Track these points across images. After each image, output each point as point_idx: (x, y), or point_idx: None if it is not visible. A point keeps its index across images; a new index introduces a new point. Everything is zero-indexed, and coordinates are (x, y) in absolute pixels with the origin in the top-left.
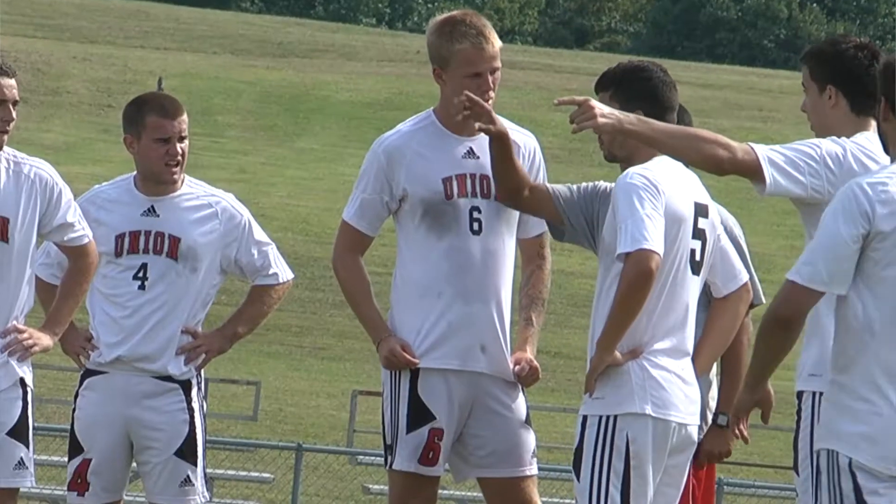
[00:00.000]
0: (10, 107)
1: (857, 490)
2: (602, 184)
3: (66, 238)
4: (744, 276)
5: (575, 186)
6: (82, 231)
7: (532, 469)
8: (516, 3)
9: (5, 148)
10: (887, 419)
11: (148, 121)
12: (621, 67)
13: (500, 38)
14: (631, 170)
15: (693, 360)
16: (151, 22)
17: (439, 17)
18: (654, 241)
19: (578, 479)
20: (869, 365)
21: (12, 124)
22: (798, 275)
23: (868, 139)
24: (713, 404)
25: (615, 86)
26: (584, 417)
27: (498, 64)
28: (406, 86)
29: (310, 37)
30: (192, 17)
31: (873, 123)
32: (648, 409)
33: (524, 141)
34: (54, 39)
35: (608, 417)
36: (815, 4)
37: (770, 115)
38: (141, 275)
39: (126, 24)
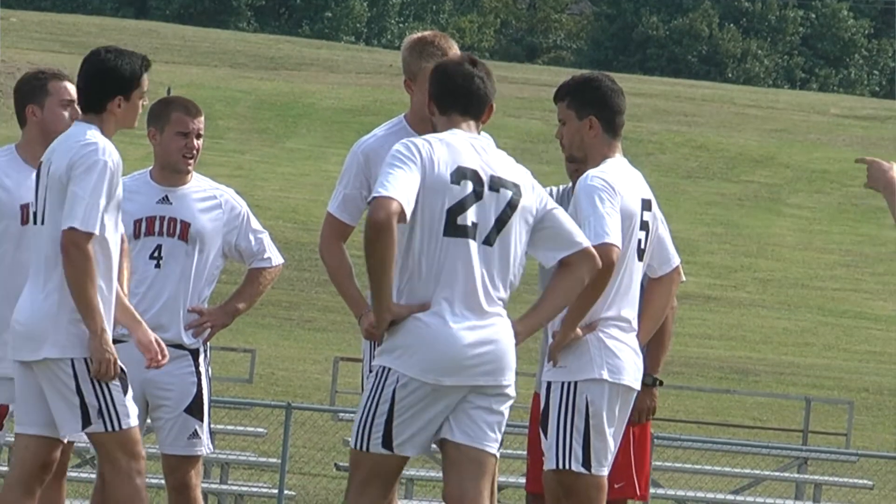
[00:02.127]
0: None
1: None
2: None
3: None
4: (676, 260)
5: None
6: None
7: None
8: (475, 23)
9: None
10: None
11: (173, 116)
12: (574, 79)
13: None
14: (590, 172)
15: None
16: (161, 40)
17: (414, 35)
18: (614, 235)
19: (546, 436)
20: None
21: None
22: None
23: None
24: None
25: (570, 95)
26: (549, 384)
27: None
28: (381, 95)
29: (298, 52)
30: (196, 35)
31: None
32: (605, 375)
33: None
34: (77, 55)
35: (570, 383)
36: (732, 25)
37: (693, 120)
38: (156, 254)
39: (139, 42)
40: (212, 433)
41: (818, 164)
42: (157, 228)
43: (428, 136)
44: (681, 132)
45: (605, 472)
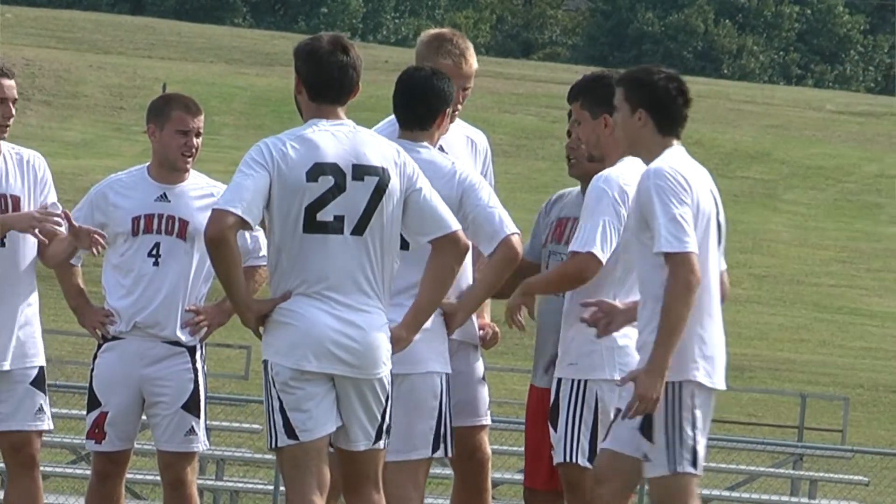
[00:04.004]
0: (10, 105)
1: None
2: (563, 193)
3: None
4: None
5: (531, 238)
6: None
7: (486, 420)
8: (471, 19)
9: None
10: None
11: (173, 114)
12: (586, 79)
13: None
14: (603, 172)
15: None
16: (157, 35)
17: (431, 31)
18: (602, 246)
19: (555, 430)
20: None
21: (11, 120)
22: None
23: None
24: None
25: (583, 95)
26: (559, 380)
27: (471, 84)
28: (376, 90)
29: (293, 48)
30: (192, 31)
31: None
32: (617, 377)
33: (478, 139)
34: (73, 50)
35: (581, 381)
36: (727, 20)
37: (689, 116)
38: (154, 252)
39: (135, 37)
40: (207, 430)
41: (814, 161)
42: (155, 226)
43: (284, 135)
44: None
45: None
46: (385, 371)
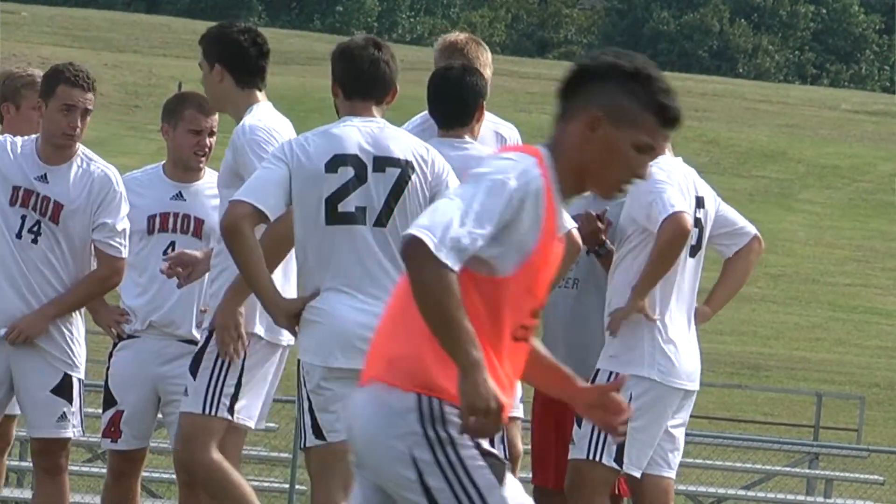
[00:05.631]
0: (78, 115)
1: None
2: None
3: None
4: (751, 230)
5: None
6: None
7: (519, 412)
8: (486, 17)
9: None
10: None
11: (186, 113)
12: None
13: None
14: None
15: None
16: (172, 34)
17: (448, 36)
18: (680, 204)
19: (580, 426)
20: None
21: (78, 131)
22: None
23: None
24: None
25: None
26: (598, 371)
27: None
28: None
29: (308, 46)
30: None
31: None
32: (654, 376)
33: (508, 133)
34: (89, 49)
35: (616, 374)
36: (743, 20)
37: (704, 115)
38: (170, 251)
39: (150, 36)
40: None
41: (829, 160)
42: (170, 225)
43: (310, 132)
44: (692, 127)
45: (636, 473)
46: None
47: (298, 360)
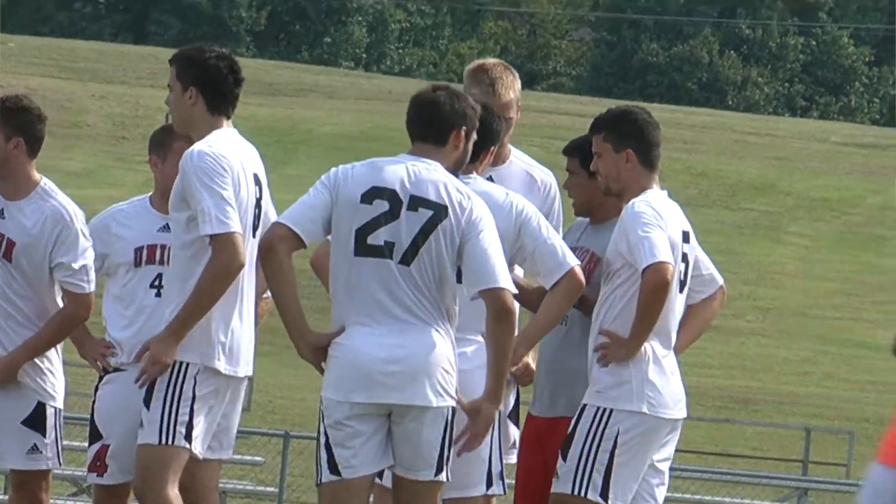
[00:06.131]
0: None
1: None
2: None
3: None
4: (719, 280)
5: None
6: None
7: (512, 458)
8: (475, 48)
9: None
10: None
11: (175, 146)
12: (611, 112)
13: (461, 79)
14: (634, 200)
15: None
16: (160, 65)
17: (479, 60)
18: (665, 253)
19: (565, 460)
20: None
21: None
22: None
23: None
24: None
25: (607, 128)
26: (583, 406)
27: (510, 114)
28: (381, 120)
29: (296, 78)
30: None
31: None
32: (645, 409)
33: (541, 177)
34: (76, 80)
35: (605, 410)
36: (732, 52)
37: (693, 147)
38: (157, 283)
39: (138, 67)
40: None
41: (818, 192)
42: (157, 257)
43: (360, 162)
44: (680, 159)
45: None
46: (441, 400)
47: (321, 398)
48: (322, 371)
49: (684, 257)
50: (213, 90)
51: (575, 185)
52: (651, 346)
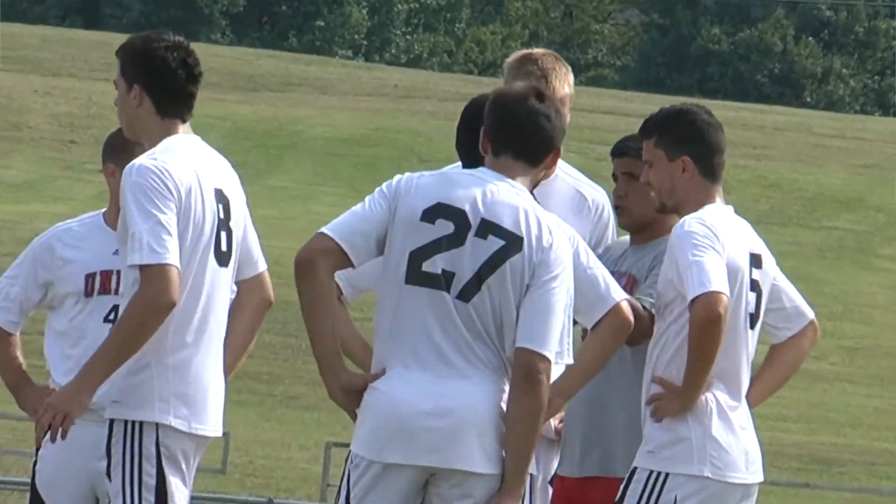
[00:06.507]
0: None
1: None
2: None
3: None
4: (809, 314)
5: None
6: None
7: None
8: (499, 34)
9: None
10: None
11: (137, 151)
12: (664, 112)
13: (481, 71)
14: (686, 218)
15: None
16: None
17: (523, 50)
18: (718, 282)
19: None
20: None
21: None
22: None
23: None
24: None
25: (659, 131)
26: (634, 469)
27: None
28: (383, 121)
29: (282, 69)
30: None
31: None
32: (707, 472)
33: (592, 196)
34: (16, 72)
35: (659, 474)
36: (811, 38)
37: (764, 153)
38: (112, 317)
39: (90, 57)
40: None
41: None
42: (113, 285)
43: (428, 171)
44: (748, 167)
45: None
46: (491, 467)
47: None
48: (354, 418)
49: (754, 285)
50: (161, 88)
51: (636, 194)
52: (715, 396)
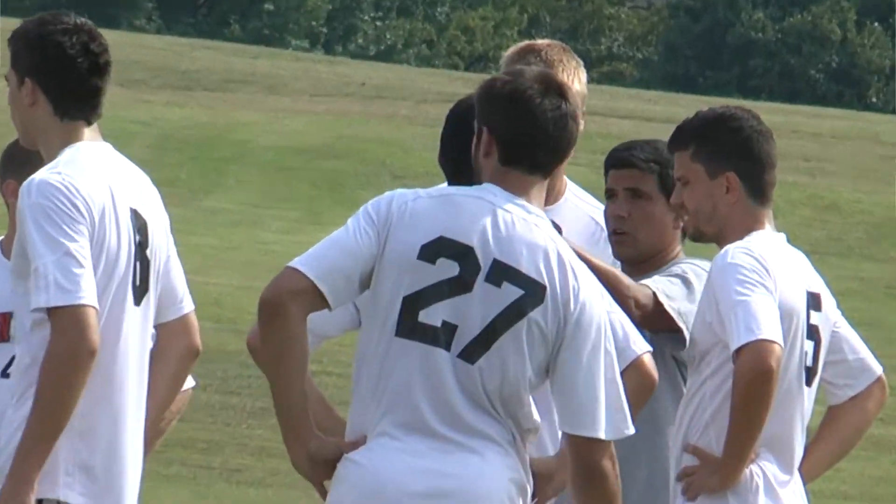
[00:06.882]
0: None
1: None
2: None
3: None
4: (876, 370)
5: None
6: None
7: None
8: (490, 21)
9: None
10: None
11: (42, 164)
12: (702, 117)
13: (469, 66)
14: (730, 247)
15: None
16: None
17: (524, 42)
18: (770, 328)
19: None
20: None
21: None
22: None
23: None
24: None
25: (697, 142)
26: None
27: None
28: (348, 128)
29: (223, 63)
30: None
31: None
32: None
33: (601, 221)
34: None
35: None
36: (876, 24)
37: (820, 167)
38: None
39: None
40: None
41: None
42: (12, 331)
43: (425, 190)
44: (799, 184)
45: None
46: None
47: None
48: (323, 493)
49: (812, 332)
50: (57, 83)
51: (643, 217)
52: (762, 469)
